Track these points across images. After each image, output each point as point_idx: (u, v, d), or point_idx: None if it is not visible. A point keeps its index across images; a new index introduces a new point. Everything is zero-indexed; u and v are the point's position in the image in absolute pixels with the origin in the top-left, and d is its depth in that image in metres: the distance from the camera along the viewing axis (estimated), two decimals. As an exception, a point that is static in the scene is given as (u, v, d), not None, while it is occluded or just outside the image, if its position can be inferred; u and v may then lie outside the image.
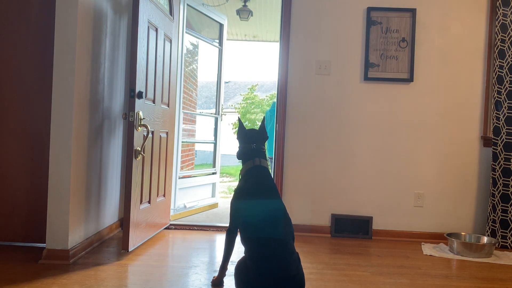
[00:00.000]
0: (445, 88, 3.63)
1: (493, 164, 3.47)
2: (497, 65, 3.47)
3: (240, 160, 2.42)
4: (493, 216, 3.45)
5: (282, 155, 3.65)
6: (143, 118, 2.82)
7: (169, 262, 2.77)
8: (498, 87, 3.47)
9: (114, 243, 3.08)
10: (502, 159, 3.45)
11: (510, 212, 3.43)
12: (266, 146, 2.44)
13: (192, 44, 4.53)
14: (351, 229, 3.61)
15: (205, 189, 4.61)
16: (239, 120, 2.51)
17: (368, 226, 3.59)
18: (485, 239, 3.33)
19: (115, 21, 3.19)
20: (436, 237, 3.55)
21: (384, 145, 3.65)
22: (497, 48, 3.49)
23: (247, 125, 14.09)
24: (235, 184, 9.51)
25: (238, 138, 2.43)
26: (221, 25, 4.80)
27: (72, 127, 2.58)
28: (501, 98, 3.47)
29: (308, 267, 2.69)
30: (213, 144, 4.87)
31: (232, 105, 20.03)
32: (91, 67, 2.80)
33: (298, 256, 2.06)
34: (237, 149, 2.43)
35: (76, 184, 2.66)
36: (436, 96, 3.63)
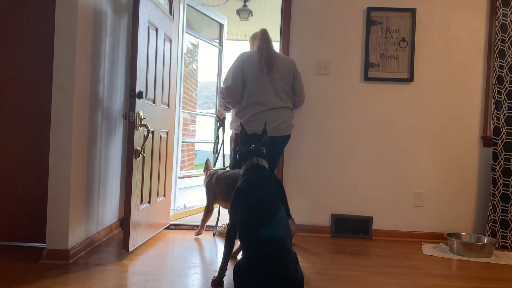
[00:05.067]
0: (445, 88, 3.63)
1: (493, 164, 3.47)
2: (497, 65, 3.48)
3: (241, 162, 2.45)
4: (493, 216, 3.45)
5: (282, 155, 3.65)
6: (144, 118, 2.82)
7: (169, 262, 2.77)
8: (498, 87, 3.47)
9: (114, 243, 3.08)
10: (502, 159, 3.45)
11: (510, 212, 3.43)
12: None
13: (192, 44, 4.53)
14: (351, 229, 3.61)
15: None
16: (241, 124, 2.54)
17: (368, 226, 3.59)
18: (485, 239, 3.33)
19: (115, 21, 3.19)
20: (436, 237, 3.55)
21: (384, 145, 3.65)
22: (497, 48, 3.49)
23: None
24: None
25: (239, 142, 2.46)
26: (221, 25, 4.80)
27: (72, 127, 2.58)
28: (501, 98, 3.47)
29: (308, 267, 2.69)
30: (213, 144, 4.85)
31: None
32: (91, 67, 2.80)
33: (296, 256, 2.07)
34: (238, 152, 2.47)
35: (76, 184, 2.66)
36: (436, 96, 3.63)
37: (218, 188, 3.19)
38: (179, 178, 4.04)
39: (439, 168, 3.64)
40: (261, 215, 2.10)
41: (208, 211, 3.34)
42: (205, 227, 3.41)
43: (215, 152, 3.68)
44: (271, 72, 2.98)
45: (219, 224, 3.54)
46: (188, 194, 4.24)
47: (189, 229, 3.60)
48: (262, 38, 3.08)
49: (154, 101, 3.10)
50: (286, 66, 3.12)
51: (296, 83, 3.18)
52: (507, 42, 3.46)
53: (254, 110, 3.01)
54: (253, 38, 3.23)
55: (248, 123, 2.97)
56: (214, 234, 3.45)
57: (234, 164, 3.25)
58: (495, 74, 3.48)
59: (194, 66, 4.76)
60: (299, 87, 3.21)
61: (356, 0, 3.64)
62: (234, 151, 3.29)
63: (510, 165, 3.45)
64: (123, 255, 2.78)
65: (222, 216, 3.57)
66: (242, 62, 3.04)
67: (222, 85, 3.16)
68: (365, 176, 3.65)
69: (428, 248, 3.28)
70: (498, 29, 3.49)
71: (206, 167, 3.49)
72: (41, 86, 2.82)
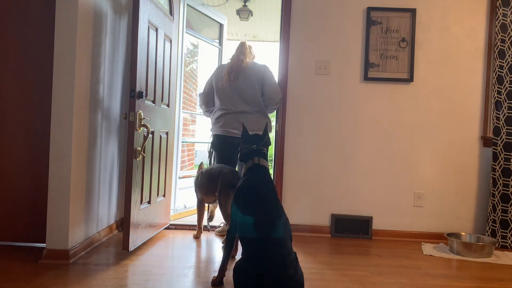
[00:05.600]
0: (445, 88, 3.63)
1: (493, 164, 3.47)
2: (497, 65, 3.48)
3: (242, 162, 2.45)
4: (493, 216, 3.45)
5: (282, 155, 3.65)
6: (143, 118, 2.82)
7: (169, 262, 2.77)
8: (498, 87, 3.47)
9: (114, 243, 3.08)
10: (502, 159, 3.45)
11: (510, 212, 3.43)
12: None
13: (192, 44, 4.53)
14: (351, 229, 3.61)
15: (205, 189, 4.60)
16: (243, 125, 2.54)
17: (368, 226, 3.59)
18: (485, 239, 3.33)
19: (115, 21, 3.19)
20: (436, 237, 3.56)
21: (384, 145, 3.65)
22: (497, 48, 3.49)
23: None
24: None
25: (241, 141, 2.47)
26: (221, 25, 4.80)
27: (72, 127, 2.58)
28: (501, 98, 3.47)
29: (308, 267, 2.69)
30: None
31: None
32: (91, 67, 2.81)
33: (296, 256, 2.06)
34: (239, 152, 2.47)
35: (76, 184, 2.66)
36: (436, 96, 3.63)
37: (200, 182, 3.26)
38: (179, 178, 4.04)
39: (439, 168, 3.65)
40: (260, 215, 2.10)
41: (198, 206, 3.37)
42: (202, 228, 3.40)
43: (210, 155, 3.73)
44: (237, 81, 3.25)
45: (219, 224, 3.55)
46: (188, 194, 4.23)
47: (189, 229, 3.60)
48: (236, 50, 3.41)
49: (154, 101, 3.10)
50: (253, 73, 3.30)
51: (264, 86, 3.29)
52: (507, 42, 3.46)
53: (219, 113, 3.32)
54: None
55: (216, 124, 3.32)
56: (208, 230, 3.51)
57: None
58: (495, 74, 3.48)
59: (194, 66, 4.76)
60: (267, 88, 3.29)
61: (356, 0, 3.64)
62: (216, 154, 3.41)
63: (510, 165, 3.45)
64: (123, 255, 2.78)
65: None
66: (214, 73, 3.42)
67: None
68: (365, 176, 3.65)
69: (428, 248, 3.29)
70: (498, 29, 3.49)
71: (199, 168, 3.53)
72: (41, 86, 2.82)
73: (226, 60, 4.87)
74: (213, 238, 3.38)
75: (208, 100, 3.42)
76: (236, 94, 3.25)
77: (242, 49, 3.36)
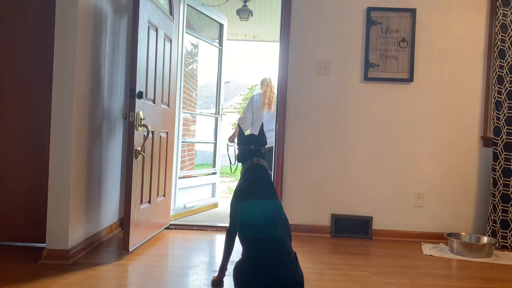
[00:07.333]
0: (445, 88, 3.63)
1: (493, 164, 3.47)
2: (497, 65, 3.48)
3: (240, 163, 2.44)
4: (494, 216, 3.45)
5: (282, 155, 3.66)
6: (143, 118, 2.82)
7: (169, 262, 2.77)
8: (498, 87, 3.47)
9: (114, 243, 3.08)
10: (502, 159, 3.45)
11: (510, 212, 3.43)
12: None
13: (192, 44, 4.53)
14: (351, 229, 3.61)
15: (205, 189, 4.61)
16: (239, 125, 2.56)
17: (368, 226, 3.59)
18: (485, 239, 3.33)
19: (115, 21, 3.19)
20: (436, 237, 3.55)
21: (384, 145, 3.65)
22: (497, 48, 3.49)
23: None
24: (235, 184, 9.50)
25: (237, 142, 2.47)
26: (221, 25, 4.80)
27: (72, 127, 2.58)
28: (501, 98, 3.47)
29: (308, 267, 2.69)
30: (213, 144, 4.86)
31: (232, 105, 20.05)
32: (91, 67, 2.81)
33: (296, 256, 2.06)
34: (237, 152, 2.47)
35: (76, 184, 2.66)
36: (436, 96, 3.63)
37: None
38: (179, 178, 4.04)
39: (439, 168, 3.65)
40: (260, 214, 2.10)
41: None
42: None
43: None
44: (270, 108, 4.46)
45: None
46: (188, 194, 4.24)
47: (189, 229, 3.60)
48: (268, 85, 4.54)
49: (154, 101, 3.11)
50: None
51: None
52: (507, 42, 3.46)
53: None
54: (262, 82, 4.63)
55: None
56: None
57: None
58: (495, 74, 3.48)
59: (194, 66, 4.75)
60: None
61: (356, 0, 3.64)
62: None
63: (510, 165, 3.45)
64: (123, 255, 2.78)
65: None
66: (253, 102, 4.58)
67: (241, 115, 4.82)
68: (365, 176, 3.65)
69: (428, 248, 3.28)
70: (498, 29, 3.49)
71: None
72: (41, 86, 2.82)
73: (226, 55, 4.87)
74: (213, 238, 3.38)
75: (247, 121, 4.57)
76: (270, 117, 4.36)
77: (271, 83, 4.53)
